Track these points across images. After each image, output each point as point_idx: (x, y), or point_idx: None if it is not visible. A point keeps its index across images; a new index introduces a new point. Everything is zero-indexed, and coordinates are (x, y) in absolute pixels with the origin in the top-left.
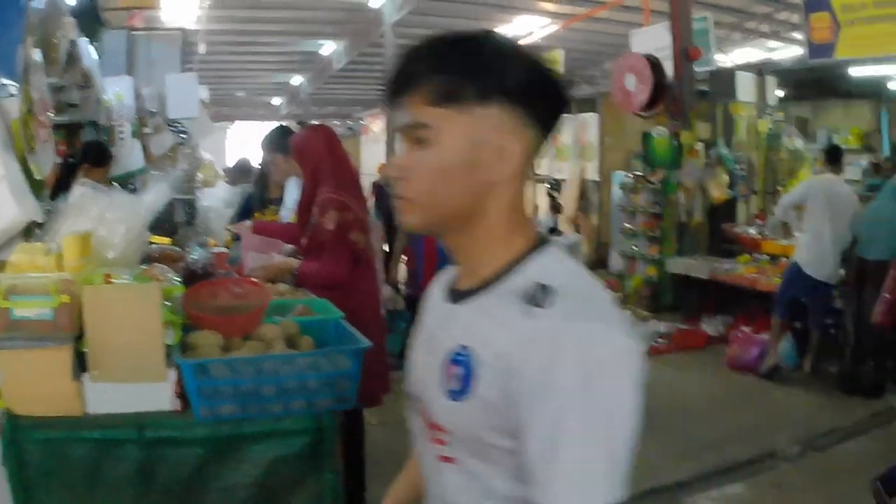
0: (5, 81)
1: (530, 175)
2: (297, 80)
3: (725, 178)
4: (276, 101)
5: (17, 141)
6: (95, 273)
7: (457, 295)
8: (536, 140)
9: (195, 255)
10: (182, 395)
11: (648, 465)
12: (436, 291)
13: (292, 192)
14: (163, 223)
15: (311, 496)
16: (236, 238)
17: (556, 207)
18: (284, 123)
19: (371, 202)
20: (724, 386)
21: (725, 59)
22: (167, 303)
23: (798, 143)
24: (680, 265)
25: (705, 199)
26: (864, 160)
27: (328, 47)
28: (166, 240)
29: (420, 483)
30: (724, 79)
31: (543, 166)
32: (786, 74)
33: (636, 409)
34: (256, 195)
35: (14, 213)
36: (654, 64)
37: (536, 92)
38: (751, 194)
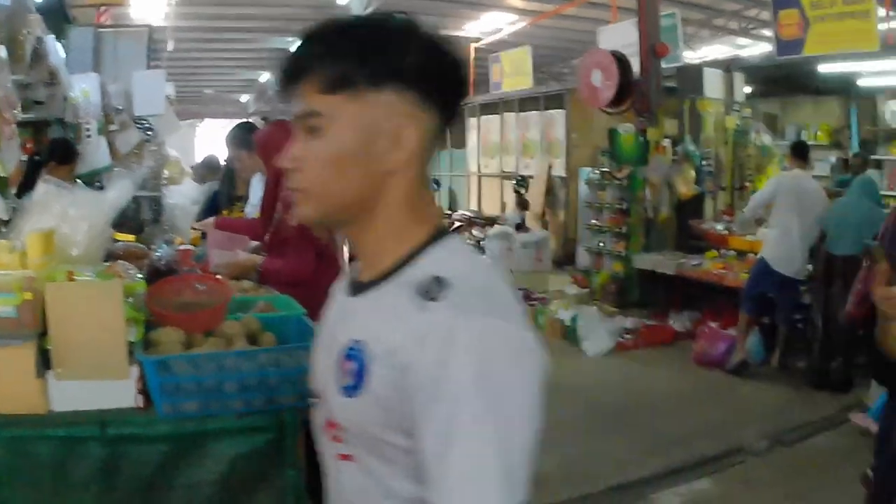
0: None
1: (431, 161)
2: (264, 76)
3: (692, 174)
4: (244, 98)
5: None
6: (58, 270)
7: (356, 288)
8: (435, 125)
9: (160, 252)
10: (145, 392)
11: (615, 461)
12: (341, 284)
13: (257, 189)
14: (129, 220)
15: (275, 493)
16: (204, 235)
17: (522, 204)
18: (249, 120)
19: None
20: (691, 381)
21: (694, 55)
22: (129, 300)
23: (766, 139)
24: (647, 261)
25: (672, 195)
26: (833, 156)
27: (296, 44)
28: (131, 237)
29: None
30: (692, 75)
31: (510, 163)
32: (754, 71)
33: (536, 406)
34: (224, 192)
35: None
36: (621, 60)
37: (433, 75)
38: (718, 190)
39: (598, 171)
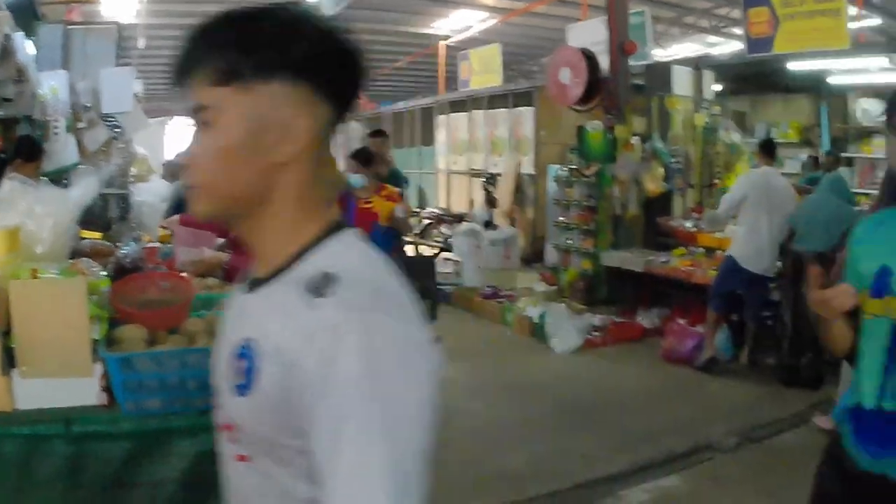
0: None
1: (326, 154)
2: None
3: (660, 171)
4: None
5: None
6: (22, 268)
7: (252, 284)
8: (329, 116)
9: (125, 249)
10: (108, 389)
11: (584, 458)
12: (242, 281)
13: None
14: (96, 218)
15: None
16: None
17: (491, 201)
18: None
19: None
20: (659, 378)
21: (665, 53)
22: (94, 297)
23: (735, 136)
24: (615, 258)
25: (640, 192)
26: (804, 154)
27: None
28: (97, 234)
29: None
30: (661, 73)
31: (479, 160)
32: (724, 69)
33: (427, 403)
34: None
35: None
36: (590, 58)
37: (326, 64)
38: (687, 188)
39: (566, 169)
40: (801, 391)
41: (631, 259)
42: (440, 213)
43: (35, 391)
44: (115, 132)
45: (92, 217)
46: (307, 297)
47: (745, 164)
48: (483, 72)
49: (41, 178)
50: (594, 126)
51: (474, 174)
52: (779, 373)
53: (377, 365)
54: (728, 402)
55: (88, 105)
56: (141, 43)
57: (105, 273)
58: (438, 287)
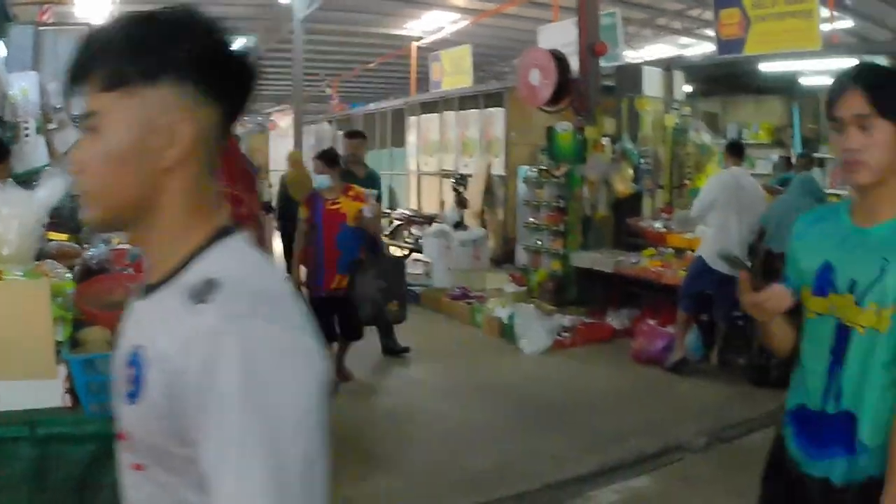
0: None
1: (215, 158)
2: None
3: (630, 172)
4: None
5: None
6: None
7: (146, 290)
8: (217, 119)
9: (92, 251)
10: (72, 391)
11: (553, 459)
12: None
13: None
14: (67, 220)
15: None
16: None
17: (461, 202)
18: None
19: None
20: (629, 379)
21: (637, 55)
22: (58, 299)
23: (705, 137)
24: (585, 259)
25: (610, 193)
26: (776, 155)
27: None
28: (63, 236)
29: None
30: (631, 74)
31: (450, 161)
32: (695, 70)
33: (312, 410)
34: None
35: None
36: (559, 59)
37: (212, 67)
38: (657, 188)
39: (535, 170)
40: (771, 391)
41: (601, 260)
42: (411, 214)
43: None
44: None
45: (62, 219)
46: (189, 304)
47: (715, 165)
48: (454, 73)
49: (9, 179)
50: (564, 127)
51: (445, 175)
52: (749, 373)
53: (256, 374)
54: (698, 402)
55: (59, 106)
56: None
57: (70, 275)
58: (409, 288)
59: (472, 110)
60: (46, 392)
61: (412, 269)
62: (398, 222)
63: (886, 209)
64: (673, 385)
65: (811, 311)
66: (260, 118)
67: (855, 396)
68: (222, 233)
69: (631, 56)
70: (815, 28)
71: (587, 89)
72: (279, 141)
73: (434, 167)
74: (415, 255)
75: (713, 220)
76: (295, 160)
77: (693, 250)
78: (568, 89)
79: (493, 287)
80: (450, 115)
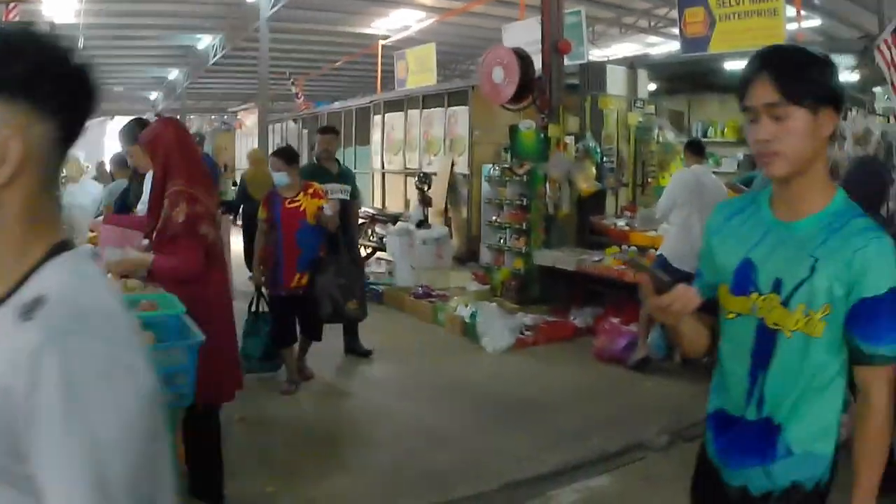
0: None
1: (53, 173)
2: (173, 74)
3: (593, 170)
4: (154, 95)
5: None
6: None
7: None
8: (53, 135)
9: None
10: None
11: (513, 458)
12: None
13: (149, 186)
14: None
15: None
16: None
17: (425, 201)
18: (143, 116)
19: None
20: (592, 377)
21: (604, 53)
22: None
23: (669, 135)
24: (547, 257)
25: (573, 191)
26: (741, 153)
27: (204, 41)
28: None
29: None
30: (595, 72)
31: (414, 159)
32: (660, 68)
33: (137, 427)
34: (135, 189)
35: None
36: (522, 57)
37: (45, 84)
38: (620, 186)
39: (499, 168)
40: None
41: (563, 258)
42: (374, 213)
43: None
44: None
45: None
46: (17, 321)
47: (678, 163)
48: (419, 71)
49: None
50: (527, 125)
51: (409, 173)
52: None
53: (76, 391)
54: (660, 400)
55: None
56: (80, 43)
57: None
58: (372, 287)
59: (436, 108)
60: None
61: (375, 267)
62: (362, 221)
63: (810, 202)
64: (635, 383)
65: (729, 310)
66: (226, 117)
67: (779, 403)
68: (58, 248)
69: (598, 54)
70: (781, 26)
71: (550, 87)
72: (246, 140)
73: (398, 166)
74: (378, 254)
75: (675, 219)
76: (255, 158)
77: (656, 248)
78: (530, 87)
79: (456, 286)
80: (414, 114)
